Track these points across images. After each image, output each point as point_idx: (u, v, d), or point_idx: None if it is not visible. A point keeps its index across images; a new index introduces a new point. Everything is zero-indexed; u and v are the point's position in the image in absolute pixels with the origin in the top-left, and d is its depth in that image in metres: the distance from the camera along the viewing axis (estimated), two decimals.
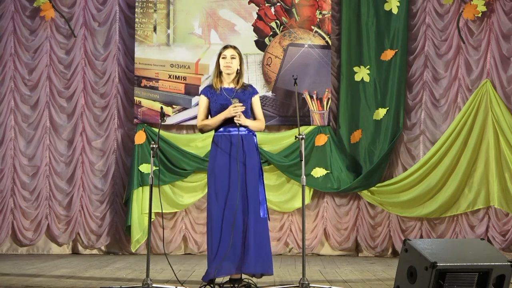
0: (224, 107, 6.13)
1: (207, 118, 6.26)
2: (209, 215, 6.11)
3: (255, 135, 6.25)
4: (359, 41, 9.53)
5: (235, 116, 6.07)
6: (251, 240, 6.05)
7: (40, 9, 9.60)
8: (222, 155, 6.13)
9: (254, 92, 6.29)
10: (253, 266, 6.06)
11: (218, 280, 6.17)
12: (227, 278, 6.20)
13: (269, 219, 6.30)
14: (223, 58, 6.22)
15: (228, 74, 6.21)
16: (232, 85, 6.24)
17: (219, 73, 6.25)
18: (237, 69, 6.23)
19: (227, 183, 6.08)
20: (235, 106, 6.06)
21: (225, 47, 6.28)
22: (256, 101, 6.29)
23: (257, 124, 6.26)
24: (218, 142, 6.17)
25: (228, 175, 6.09)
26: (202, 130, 6.30)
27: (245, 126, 6.14)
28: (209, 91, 6.26)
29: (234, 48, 6.27)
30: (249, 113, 6.25)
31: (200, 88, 9.38)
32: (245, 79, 9.50)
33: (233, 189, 6.06)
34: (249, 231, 6.06)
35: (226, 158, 6.12)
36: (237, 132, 6.10)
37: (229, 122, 6.13)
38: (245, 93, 6.23)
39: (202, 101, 6.27)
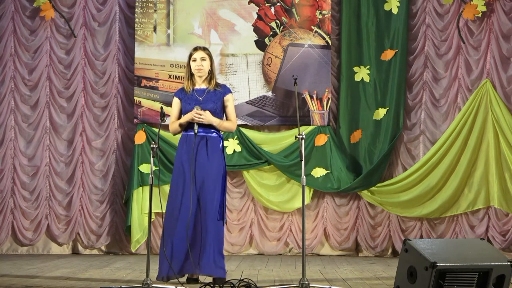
0: (192, 108, 6.25)
1: (178, 119, 6.36)
2: (166, 214, 6.25)
3: (222, 138, 6.32)
4: (359, 41, 9.53)
5: (198, 119, 6.19)
6: (202, 242, 6.09)
7: (40, 9, 9.61)
8: (185, 154, 6.23)
9: (226, 92, 6.37)
10: (200, 268, 6.10)
11: (218, 280, 6.18)
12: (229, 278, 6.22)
13: (224, 223, 6.30)
14: (193, 60, 6.31)
15: (200, 76, 6.30)
16: (204, 86, 6.32)
17: (190, 75, 6.35)
18: (209, 70, 6.31)
19: (184, 182, 6.18)
20: (197, 113, 6.17)
21: (195, 49, 6.38)
22: (228, 101, 6.36)
23: (228, 124, 6.36)
24: (183, 141, 6.29)
25: (187, 175, 6.20)
26: (173, 132, 6.42)
27: (209, 126, 6.22)
28: (182, 92, 6.39)
29: (204, 49, 6.37)
30: (221, 113, 6.33)
31: None
32: (245, 79, 9.56)
33: (189, 189, 6.13)
34: (202, 233, 6.11)
35: (188, 158, 6.19)
36: (201, 133, 6.20)
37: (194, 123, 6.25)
38: (216, 93, 6.33)
39: (174, 103, 6.43)
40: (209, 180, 6.20)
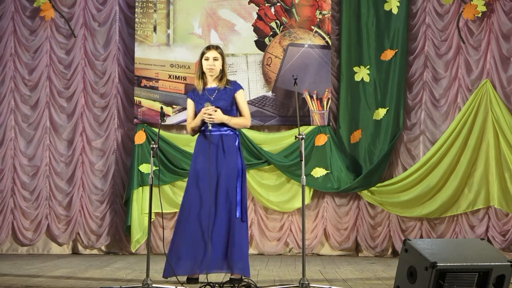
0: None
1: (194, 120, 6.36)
2: (181, 211, 6.20)
3: (238, 135, 6.29)
4: (359, 41, 9.53)
5: (208, 119, 6.17)
6: (222, 240, 6.08)
7: (40, 9, 9.61)
8: (201, 154, 6.20)
9: (237, 88, 6.34)
10: (221, 266, 6.10)
11: (218, 280, 6.18)
12: (227, 278, 6.22)
13: (242, 220, 6.24)
14: (205, 59, 6.28)
15: (211, 75, 6.28)
16: (214, 84, 6.30)
17: (201, 74, 6.32)
18: (220, 69, 6.29)
19: (203, 181, 6.14)
20: (207, 109, 6.15)
21: (208, 48, 6.33)
22: (239, 97, 6.33)
23: (240, 120, 6.31)
24: (199, 140, 6.28)
25: (204, 173, 6.15)
26: (191, 133, 6.41)
27: (222, 124, 6.18)
28: (193, 93, 6.38)
29: (217, 48, 6.32)
30: (233, 110, 6.30)
31: None
32: (245, 79, 9.56)
33: (207, 188, 6.11)
34: (220, 231, 6.09)
35: (204, 157, 6.17)
36: (216, 132, 6.17)
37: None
38: (227, 90, 6.30)
39: (188, 104, 6.42)
40: (226, 178, 6.16)
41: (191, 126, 6.34)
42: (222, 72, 6.32)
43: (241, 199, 6.19)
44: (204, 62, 6.29)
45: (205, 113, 6.18)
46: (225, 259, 6.12)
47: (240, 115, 6.35)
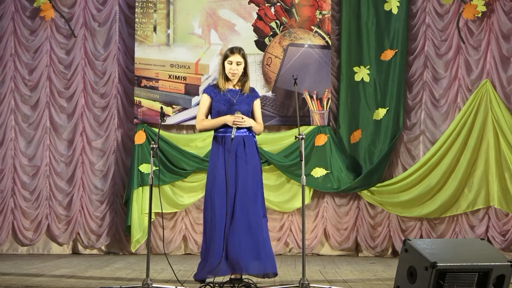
0: (226, 109, 6.17)
1: (207, 117, 6.30)
2: (206, 214, 6.17)
3: (255, 136, 6.29)
4: (359, 41, 9.53)
5: (240, 123, 6.14)
6: (250, 240, 6.08)
7: (40, 9, 9.61)
8: (222, 157, 6.16)
9: (256, 96, 6.35)
10: (253, 267, 6.09)
11: (218, 280, 6.18)
12: (227, 278, 6.22)
13: (263, 217, 6.35)
14: (228, 63, 6.21)
15: (233, 79, 6.24)
16: (236, 87, 6.28)
17: (225, 77, 6.26)
18: (242, 72, 6.25)
19: (225, 183, 6.12)
20: (239, 118, 6.11)
21: (232, 52, 6.22)
22: (257, 105, 6.34)
23: (259, 126, 6.35)
24: (219, 142, 6.21)
25: (228, 175, 6.13)
26: (200, 130, 6.35)
27: (248, 128, 6.19)
28: (213, 90, 6.29)
29: (240, 51, 6.23)
30: (250, 115, 6.30)
31: (201, 88, 9.40)
32: None
33: (230, 188, 6.10)
34: (248, 231, 6.09)
35: (226, 159, 6.15)
36: (237, 134, 6.15)
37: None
38: (249, 96, 6.27)
39: (204, 100, 6.31)
40: (250, 178, 6.15)
41: (206, 124, 6.28)
42: (245, 75, 6.28)
43: (263, 196, 6.26)
44: (226, 65, 6.23)
45: (237, 120, 6.13)
46: (257, 259, 6.12)
47: (254, 120, 6.35)
